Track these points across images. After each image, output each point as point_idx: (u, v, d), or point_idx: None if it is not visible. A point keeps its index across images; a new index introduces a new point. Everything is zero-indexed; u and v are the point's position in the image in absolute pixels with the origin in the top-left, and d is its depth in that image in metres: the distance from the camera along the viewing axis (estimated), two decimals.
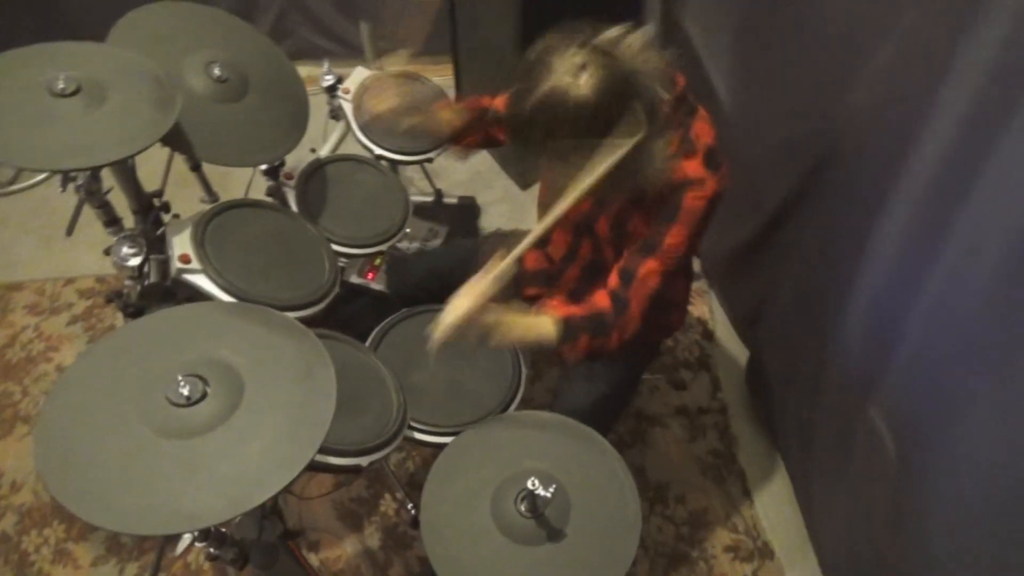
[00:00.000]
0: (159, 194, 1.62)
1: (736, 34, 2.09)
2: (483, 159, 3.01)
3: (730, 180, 1.33)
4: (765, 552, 2.02)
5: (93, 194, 1.44)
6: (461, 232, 2.56)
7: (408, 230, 1.96)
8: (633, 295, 1.37)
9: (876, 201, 1.48)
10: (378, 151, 2.00)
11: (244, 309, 1.11)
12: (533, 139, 1.20)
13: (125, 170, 1.49)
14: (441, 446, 1.54)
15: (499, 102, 1.62)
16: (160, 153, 1.48)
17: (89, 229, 1.62)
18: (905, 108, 1.38)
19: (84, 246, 2.60)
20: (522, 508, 1.15)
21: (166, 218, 1.63)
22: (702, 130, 1.32)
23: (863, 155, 1.56)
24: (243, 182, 2.31)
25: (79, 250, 2.63)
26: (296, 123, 1.67)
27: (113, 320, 2.49)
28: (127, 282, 1.44)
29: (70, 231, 1.52)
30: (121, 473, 0.86)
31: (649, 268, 1.35)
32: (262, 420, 0.93)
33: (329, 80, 2.04)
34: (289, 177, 1.88)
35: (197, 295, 1.38)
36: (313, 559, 1.97)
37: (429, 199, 2.65)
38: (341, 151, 2.07)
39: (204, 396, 0.93)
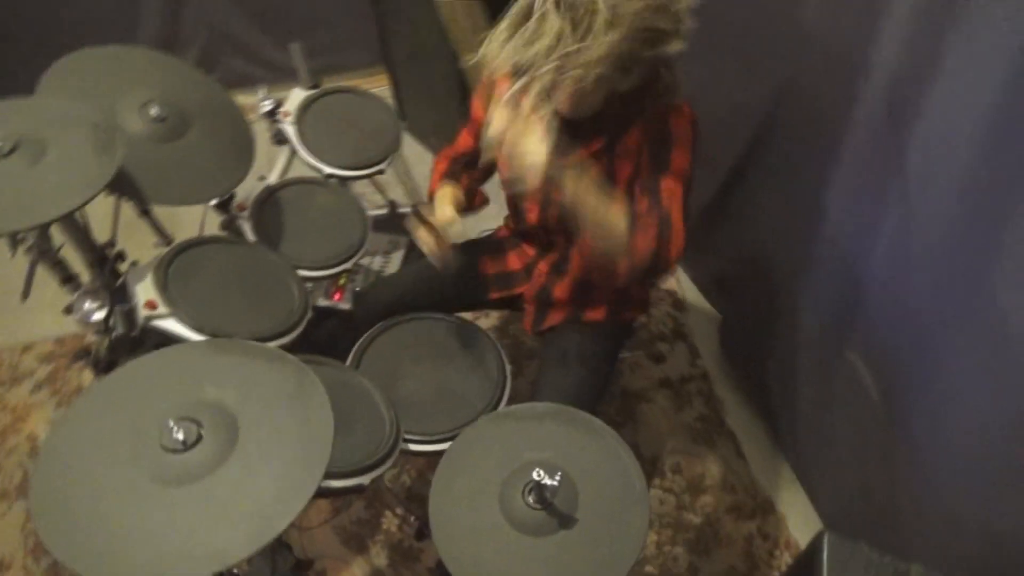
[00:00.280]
0: (112, 243, 1.58)
1: None
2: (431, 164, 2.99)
3: None
4: (766, 507, 2.06)
5: (45, 253, 1.40)
6: None
7: (368, 246, 1.94)
8: (668, 206, 1.28)
9: (825, 151, 1.52)
10: (328, 170, 1.98)
11: (221, 345, 1.09)
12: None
13: (74, 224, 1.45)
14: (437, 454, 1.53)
15: (461, 141, 1.64)
16: (106, 202, 1.44)
17: (39, 291, 1.57)
18: (841, 59, 1.41)
19: (37, 309, 2.50)
20: (530, 500, 1.15)
21: (123, 267, 1.59)
22: None
23: (807, 109, 1.60)
24: (194, 221, 2.26)
25: (32, 314, 2.54)
26: (243, 153, 1.64)
27: (80, 380, 2.42)
28: (93, 337, 1.40)
29: (26, 295, 1.47)
30: (130, 528, 0.84)
31: (668, 186, 1.30)
32: (263, 451, 0.91)
33: (268, 106, 2.01)
34: (242, 208, 1.85)
35: (168, 340, 1.35)
36: None
37: (383, 211, 2.63)
38: (290, 175, 2.04)
39: (200, 438, 0.91)
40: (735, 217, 2.07)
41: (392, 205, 2.62)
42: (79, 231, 1.47)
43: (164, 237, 1.85)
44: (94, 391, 0.99)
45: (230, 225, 1.88)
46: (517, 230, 1.75)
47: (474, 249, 1.76)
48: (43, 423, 2.33)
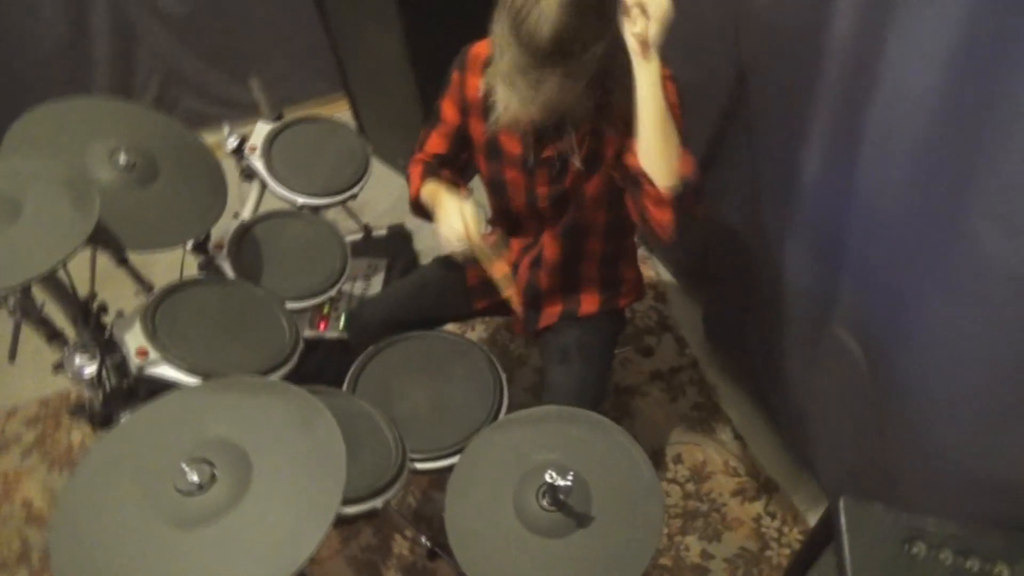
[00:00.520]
0: (93, 296, 1.57)
1: None
2: (401, 185, 3.00)
3: None
4: (770, 487, 2.08)
5: (29, 312, 1.38)
6: (400, 260, 2.55)
7: (348, 272, 1.94)
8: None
9: (790, 128, 1.55)
10: (301, 200, 1.98)
11: (222, 384, 1.09)
12: (571, 52, 1.18)
13: (55, 280, 1.43)
14: (444, 470, 1.54)
15: (431, 145, 1.63)
16: (82, 256, 1.43)
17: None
18: (799, 32, 1.45)
19: (17, 372, 2.48)
20: (545, 503, 1.17)
21: (106, 319, 1.58)
22: None
23: (768, 87, 1.63)
24: (171, 266, 2.25)
25: (13, 377, 2.52)
26: (216, 191, 1.64)
27: (70, 440, 2.39)
28: (87, 392, 1.38)
29: (12, 356, 1.46)
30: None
31: None
32: (279, 483, 0.91)
33: (233, 143, 2.01)
34: (219, 248, 1.85)
35: (162, 387, 1.34)
36: None
37: (358, 236, 2.63)
38: (262, 209, 2.04)
39: (214, 477, 0.91)
40: (709, 205, 2.10)
41: (366, 229, 2.62)
42: (60, 287, 1.46)
43: (143, 285, 1.84)
44: (101, 445, 0.98)
45: (208, 266, 1.87)
46: (503, 224, 1.74)
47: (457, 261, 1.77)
48: (37, 488, 2.29)
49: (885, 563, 0.80)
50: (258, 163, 2.01)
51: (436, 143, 1.62)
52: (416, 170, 1.62)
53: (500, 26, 1.22)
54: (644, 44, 1.20)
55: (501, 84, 1.28)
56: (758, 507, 2.05)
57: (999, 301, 1.20)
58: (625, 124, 1.34)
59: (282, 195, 1.99)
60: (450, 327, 1.86)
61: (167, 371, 1.34)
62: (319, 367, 2.07)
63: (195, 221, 1.57)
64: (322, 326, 2.26)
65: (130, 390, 1.43)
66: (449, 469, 1.57)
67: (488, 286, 1.78)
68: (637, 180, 1.31)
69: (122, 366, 1.41)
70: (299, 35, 2.94)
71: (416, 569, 2.00)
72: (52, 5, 2.62)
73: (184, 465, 0.90)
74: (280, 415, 0.99)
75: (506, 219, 1.69)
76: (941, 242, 1.27)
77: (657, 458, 2.14)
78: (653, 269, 2.61)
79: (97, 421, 1.41)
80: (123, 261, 1.77)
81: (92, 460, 0.96)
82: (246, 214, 2.06)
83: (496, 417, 1.57)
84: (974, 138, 1.14)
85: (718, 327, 2.32)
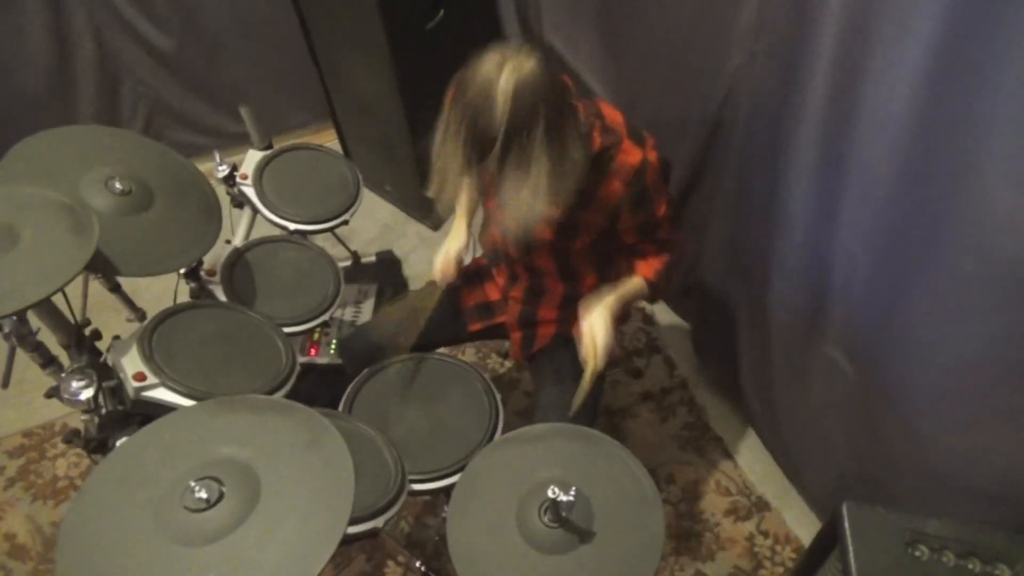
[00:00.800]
0: (87, 322, 1.56)
1: (599, 33, 2.20)
2: (389, 212, 3.02)
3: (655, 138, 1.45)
4: (762, 505, 2.10)
5: (24, 338, 1.37)
6: (389, 287, 2.56)
7: (340, 297, 1.95)
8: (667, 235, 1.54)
9: (774, 150, 1.59)
10: (293, 226, 2.00)
11: (227, 403, 1.09)
12: (524, 140, 1.20)
13: (50, 307, 1.43)
14: (442, 491, 1.54)
15: None
16: (73, 284, 1.43)
17: None
18: (779, 56, 1.50)
19: (0, 404, 2.45)
20: (547, 519, 1.17)
21: (100, 345, 1.57)
22: (610, 114, 1.40)
23: (752, 110, 1.68)
24: (162, 293, 2.25)
25: None
26: (211, 215, 1.65)
27: (55, 471, 2.35)
28: (82, 417, 1.38)
29: (6, 384, 1.44)
30: None
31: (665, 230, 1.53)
32: (288, 500, 0.91)
33: (224, 170, 2.02)
34: (212, 273, 1.85)
35: (159, 411, 1.34)
36: None
37: (347, 262, 2.64)
38: (253, 236, 2.04)
39: (222, 495, 0.91)
40: (694, 227, 2.14)
41: (355, 256, 2.63)
42: (56, 313, 1.46)
43: (135, 312, 1.83)
44: (108, 463, 0.98)
45: (201, 292, 1.87)
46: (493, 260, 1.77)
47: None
48: (20, 520, 2.25)
49: (889, 566, 0.82)
50: (249, 190, 2.02)
51: None
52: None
53: (448, 128, 1.25)
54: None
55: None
56: (750, 526, 2.06)
57: (981, 313, 1.24)
58: (615, 210, 1.46)
59: (274, 221, 2.00)
60: (442, 350, 1.87)
61: (163, 394, 1.34)
62: (311, 393, 2.06)
63: (191, 246, 1.57)
64: (313, 352, 2.26)
65: (126, 415, 1.42)
66: (447, 490, 1.58)
67: (482, 309, 1.80)
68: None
69: (118, 391, 1.40)
70: (285, 66, 2.97)
71: None
72: (38, 37, 2.63)
73: (193, 483, 0.90)
74: (287, 433, 1.00)
75: (495, 247, 1.72)
76: (924, 258, 1.31)
77: None
78: None
79: (92, 447, 1.40)
80: (115, 288, 1.77)
81: (99, 477, 0.96)
82: (237, 241, 2.06)
83: (492, 438, 1.57)
84: (953, 158, 1.18)
85: (707, 347, 2.35)
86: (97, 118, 2.88)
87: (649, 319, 2.57)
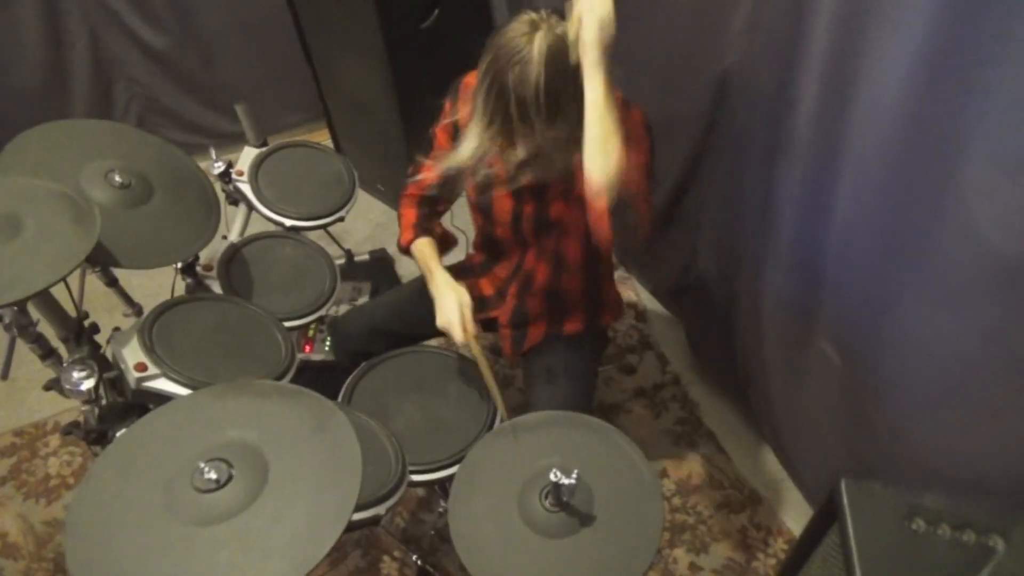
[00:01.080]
0: (85, 316, 1.57)
1: None
2: (382, 211, 3.04)
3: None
4: (754, 499, 2.12)
5: (24, 329, 1.38)
6: (384, 284, 2.57)
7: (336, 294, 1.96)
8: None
9: (767, 146, 1.62)
10: (289, 223, 2.01)
11: (235, 388, 1.10)
12: (557, 102, 1.26)
13: (50, 298, 1.43)
14: (438, 483, 1.55)
15: (426, 175, 1.63)
16: (71, 279, 1.44)
17: None
18: (773, 54, 1.52)
19: None
20: (548, 503, 1.19)
21: (97, 338, 1.58)
22: None
23: (746, 107, 1.70)
24: (156, 290, 2.25)
25: None
26: (210, 209, 1.66)
27: (46, 470, 2.34)
28: (82, 408, 1.38)
29: (5, 374, 1.45)
30: (177, 573, 0.84)
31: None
32: (296, 482, 0.92)
33: (220, 167, 2.03)
34: (209, 269, 1.86)
35: (158, 403, 1.34)
36: None
37: (340, 260, 2.65)
38: (248, 232, 2.05)
39: (231, 477, 0.92)
40: (687, 224, 2.17)
41: (349, 254, 2.64)
42: (55, 305, 1.46)
43: (133, 307, 1.83)
44: (116, 445, 0.99)
45: (198, 287, 1.87)
46: (488, 248, 1.78)
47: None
48: (12, 519, 2.23)
49: (887, 539, 0.84)
50: (245, 187, 2.03)
51: (428, 171, 1.64)
52: (408, 213, 1.70)
53: (484, 88, 1.30)
54: (584, 48, 1.22)
55: (483, 141, 1.37)
56: (743, 519, 2.08)
57: (971, 307, 1.27)
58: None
59: (270, 217, 2.01)
60: (435, 342, 1.88)
61: (165, 384, 1.35)
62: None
63: (191, 240, 1.58)
64: (308, 348, 2.27)
65: (125, 406, 1.43)
66: (443, 485, 1.59)
67: (476, 302, 1.81)
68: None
69: (117, 382, 1.41)
70: (278, 65, 2.98)
71: None
72: (32, 35, 2.63)
73: (203, 464, 0.91)
74: (294, 417, 1.01)
75: (491, 243, 1.73)
76: (916, 252, 1.34)
77: None
78: (632, 290, 2.67)
79: (92, 438, 1.40)
80: (112, 282, 1.77)
81: (107, 459, 0.97)
82: (233, 236, 2.07)
83: (490, 430, 1.59)
84: (945, 153, 1.21)
85: (702, 343, 2.37)
86: (89, 116, 2.88)
87: (642, 316, 2.59)
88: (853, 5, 1.28)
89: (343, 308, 2.44)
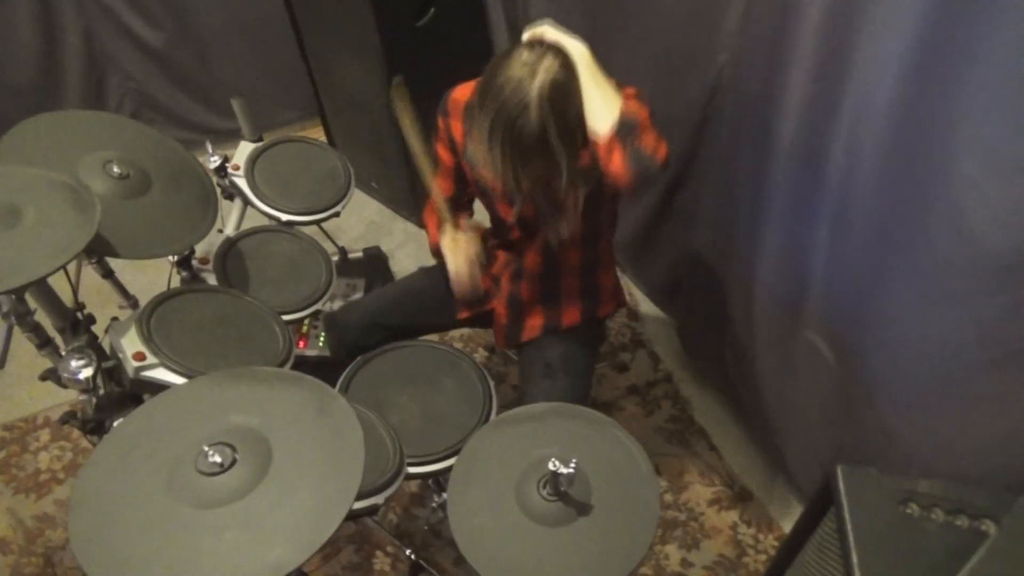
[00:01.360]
0: (81, 307, 1.57)
1: (587, 32, 2.24)
2: (376, 209, 3.04)
3: None
4: (745, 495, 2.14)
5: (22, 317, 1.38)
6: (378, 281, 2.58)
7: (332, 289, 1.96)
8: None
9: (759, 143, 1.64)
10: (286, 217, 2.01)
11: (236, 373, 1.11)
12: (565, 136, 1.29)
13: (47, 288, 1.43)
14: (432, 476, 1.56)
15: (439, 189, 1.71)
16: (68, 270, 1.44)
17: None
18: (765, 53, 1.54)
19: None
20: (546, 493, 1.20)
21: (94, 329, 1.58)
22: None
23: (737, 104, 1.73)
24: (150, 284, 2.26)
25: None
26: (208, 201, 1.67)
27: (36, 464, 2.32)
28: (80, 397, 1.38)
29: (2, 363, 1.44)
30: (182, 556, 0.85)
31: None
32: (300, 465, 0.93)
33: (216, 161, 2.03)
34: (205, 262, 1.86)
35: (156, 393, 1.34)
36: None
37: (334, 258, 2.65)
38: (244, 227, 2.05)
39: (235, 460, 0.93)
40: (680, 222, 2.19)
41: (343, 251, 2.65)
42: (52, 295, 1.46)
43: (129, 299, 1.83)
44: (120, 428, 0.99)
45: (193, 281, 1.87)
46: (499, 236, 1.80)
47: (442, 271, 1.80)
48: (1, 514, 2.22)
49: (883, 524, 0.86)
50: (241, 181, 2.03)
51: (443, 185, 1.72)
52: (432, 220, 1.77)
53: (483, 135, 1.31)
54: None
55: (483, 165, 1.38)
56: (734, 515, 2.10)
57: (961, 301, 1.29)
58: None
59: (266, 211, 2.01)
60: (432, 337, 1.89)
61: (164, 375, 1.35)
62: None
63: (189, 231, 1.58)
64: (302, 344, 2.27)
65: (122, 396, 1.43)
66: (438, 479, 1.60)
67: (472, 296, 1.82)
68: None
69: (115, 372, 1.41)
70: (273, 62, 2.98)
71: None
72: (26, 29, 2.62)
73: (206, 447, 0.92)
74: (296, 402, 1.02)
75: (502, 234, 1.76)
76: (905, 248, 1.36)
77: None
78: (626, 289, 2.68)
79: (89, 428, 1.40)
80: (108, 274, 1.77)
81: (110, 443, 0.97)
82: (229, 231, 2.07)
83: (486, 422, 1.60)
84: (934, 149, 1.23)
85: (694, 340, 2.39)
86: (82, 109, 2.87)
87: (634, 315, 2.61)
88: (843, 4, 1.30)
89: (337, 304, 2.44)
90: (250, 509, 0.90)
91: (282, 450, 0.96)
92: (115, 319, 1.44)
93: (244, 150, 2.10)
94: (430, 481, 1.92)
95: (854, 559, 0.85)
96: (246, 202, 2.06)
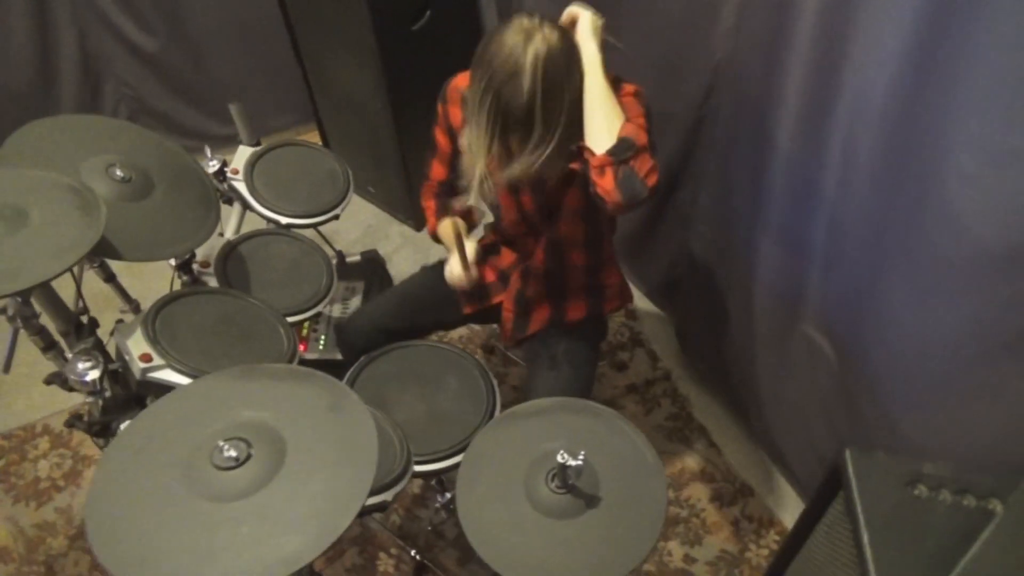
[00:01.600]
0: (85, 309, 1.57)
1: None
2: (373, 213, 3.05)
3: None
4: (745, 491, 2.15)
5: (28, 320, 1.38)
6: (376, 284, 2.58)
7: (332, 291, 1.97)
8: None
9: (756, 140, 1.66)
10: (285, 220, 2.01)
11: (248, 370, 1.11)
12: (551, 112, 1.28)
13: (51, 293, 1.44)
14: (441, 472, 1.57)
15: (434, 173, 1.74)
16: (69, 276, 1.44)
17: None
18: (761, 51, 1.57)
19: None
20: (554, 485, 1.21)
21: (98, 332, 1.58)
22: None
23: (734, 102, 1.74)
24: (150, 290, 2.26)
25: None
26: (209, 204, 1.67)
27: (36, 473, 2.32)
28: (87, 400, 1.38)
29: (8, 367, 1.44)
30: (199, 550, 0.85)
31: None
32: (314, 458, 0.94)
33: (215, 165, 2.03)
34: (205, 266, 1.86)
35: (162, 394, 1.35)
36: None
37: (333, 262, 2.65)
38: (243, 231, 2.06)
39: (250, 455, 0.93)
40: (677, 220, 2.20)
41: (340, 255, 2.65)
42: (55, 300, 1.46)
43: (131, 303, 1.83)
44: (135, 425, 0.99)
45: (194, 285, 1.87)
46: (502, 233, 1.81)
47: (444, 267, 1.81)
48: (1, 522, 2.21)
49: (891, 505, 0.87)
50: (240, 185, 2.03)
51: (438, 170, 1.74)
52: (430, 204, 1.77)
53: (475, 99, 1.31)
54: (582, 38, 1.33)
55: (479, 152, 1.37)
56: (735, 511, 2.12)
57: (958, 294, 1.31)
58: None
59: (265, 215, 2.02)
60: (431, 339, 1.90)
61: (171, 376, 1.35)
62: None
63: (191, 234, 1.59)
64: (302, 347, 2.28)
65: (128, 399, 1.43)
66: (441, 479, 1.60)
67: (475, 291, 1.83)
68: (583, 155, 1.37)
69: (121, 374, 1.41)
70: (268, 67, 2.99)
71: None
72: (21, 35, 2.62)
73: (222, 442, 0.92)
74: (309, 397, 1.02)
75: (503, 232, 1.78)
76: (902, 243, 1.38)
77: None
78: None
79: (95, 430, 1.40)
80: (110, 278, 1.77)
81: (124, 440, 0.97)
82: (229, 234, 2.07)
83: (491, 419, 1.60)
84: (931, 145, 1.25)
85: (692, 338, 2.41)
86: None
87: (632, 314, 2.63)
88: (839, 1, 1.32)
89: (337, 307, 2.45)
90: (266, 502, 0.91)
91: (296, 444, 0.96)
92: (120, 321, 1.44)
93: (243, 154, 2.10)
94: (433, 482, 1.93)
95: (865, 539, 0.86)
96: (245, 206, 2.07)
